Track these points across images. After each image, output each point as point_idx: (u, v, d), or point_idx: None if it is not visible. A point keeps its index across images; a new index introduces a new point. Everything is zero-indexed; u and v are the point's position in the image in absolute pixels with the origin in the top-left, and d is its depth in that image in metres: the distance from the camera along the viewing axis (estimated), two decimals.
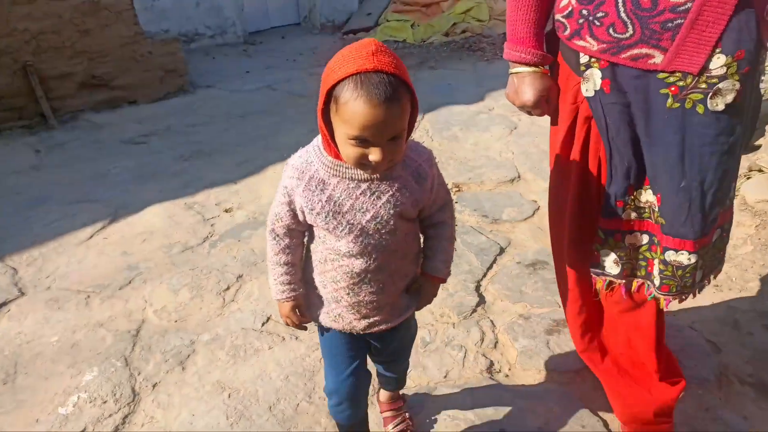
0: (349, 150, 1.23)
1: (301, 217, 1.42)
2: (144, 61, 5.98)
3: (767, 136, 4.05)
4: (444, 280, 1.57)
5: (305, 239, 1.53)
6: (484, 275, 2.92)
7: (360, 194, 1.34)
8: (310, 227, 1.45)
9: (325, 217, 1.35)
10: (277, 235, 1.47)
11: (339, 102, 1.18)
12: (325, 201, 1.34)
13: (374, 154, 1.21)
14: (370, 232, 1.36)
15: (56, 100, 5.54)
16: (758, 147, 4.09)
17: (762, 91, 4.63)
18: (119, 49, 5.81)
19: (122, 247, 3.35)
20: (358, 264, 1.39)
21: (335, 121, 1.22)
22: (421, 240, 1.56)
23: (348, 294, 1.44)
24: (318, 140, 1.38)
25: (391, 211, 1.35)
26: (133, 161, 4.61)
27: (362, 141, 1.20)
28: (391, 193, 1.35)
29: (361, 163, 1.24)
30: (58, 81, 5.52)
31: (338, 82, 1.17)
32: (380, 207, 1.35)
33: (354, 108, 1.15)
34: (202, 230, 3.50)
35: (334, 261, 1.42)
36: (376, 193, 1.35)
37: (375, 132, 1.17)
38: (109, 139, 5.14)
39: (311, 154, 1.38)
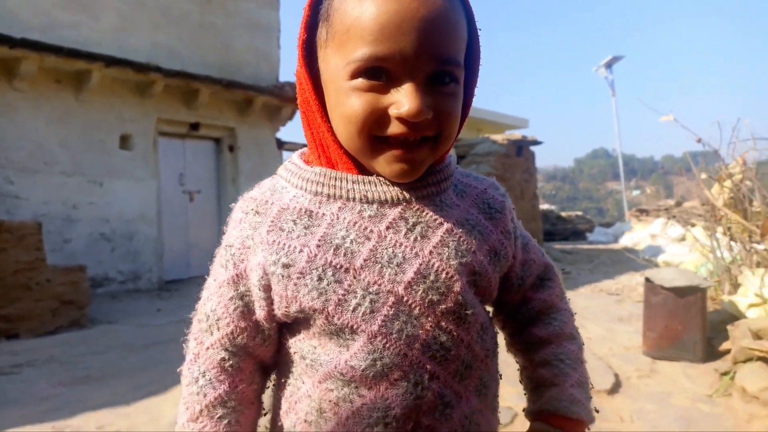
0: (353, 101, 0.67)
1: (262, 308, 0.74)
2: (39, 290, 5.24)
3: (732, 340, 3.82)
4: (587, 426, 0.83)
5: (267, 379, 0.82)
6: None
7: (386, 229, 0.72)
8: (280, 341, 0.78)
9: (318, 280, 0.70)
10: (206, 369, 0.76)
11: (332, 12, 0.69)
12: (316, 246, 0.71)
13: (405, 98, 0.65)
14: (416, 313, 0.70)
15: None
16: (725, 352, 3.82)
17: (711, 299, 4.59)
18: (11, 276, 5.11)
19: None
20: (394, 397, 0.70)
21: (326, 58, 0.71)
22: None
23: None
24: (291, 157, 0.82)
25: (453, 263, 0.72)
26: None
27: (376, 73, 0.66)
28: (447, 228, 0.74)
29: (374, 134, 0.68)
30: None
31: None
32: (431, 254, 0.72)
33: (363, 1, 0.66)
34: None
35: (340, 404, 0.71)
36: (419, 227, 0.73)
37: (404, 43, 0.64)
38: None
39: (280, 177, 0.80)
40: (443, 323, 0.71)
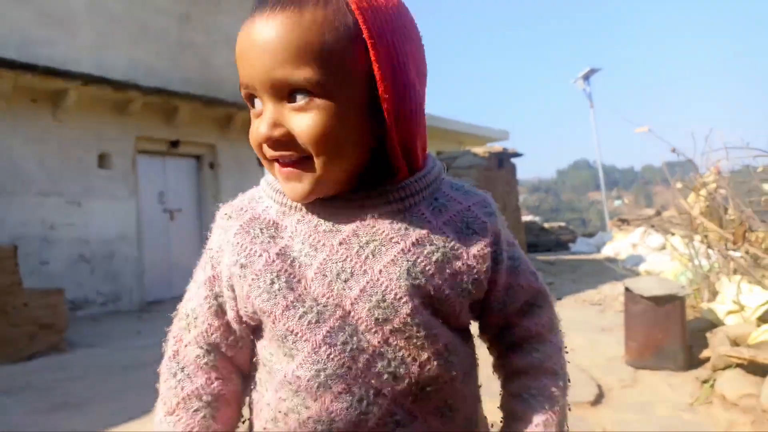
0: (251, 127, 0.74)
1: (232, 309, 0.77)
2: (15, 314, 5.13)
3: (711, 348, 3.85)
4: None
5: (246, 386, 0.82)
6: None
7: (339, 245, 0.73)
8: (252, 348, 0.81)
9: (270, 283, 0.72)
10: (185, 365, 0.78)
11: None
12: (276, 254, 0.73)
13: (259, 123, 0.71)
14: (362, 329, 0.71)
15: None
16: (705, 360, 3.85)
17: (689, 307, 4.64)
18: None
19: None
20: (338, 410, 0.70)
21: None
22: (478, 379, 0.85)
23: None
24: None
25: (403, 284, 0.71)
26: None
27: (251, 100, 0.72)
28: (403, 247, 0.72)
29: (265, 158, 0.73)
30: None
31: None
32: (380, 272, 0.71)
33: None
34: None
35: (289, 415, 0.72)
36: (372, 245, 0.73)
37: (247, 69, 0.69)
38: None
39: (260, 189, 0.84)
40: (391, 340, 0.71)
